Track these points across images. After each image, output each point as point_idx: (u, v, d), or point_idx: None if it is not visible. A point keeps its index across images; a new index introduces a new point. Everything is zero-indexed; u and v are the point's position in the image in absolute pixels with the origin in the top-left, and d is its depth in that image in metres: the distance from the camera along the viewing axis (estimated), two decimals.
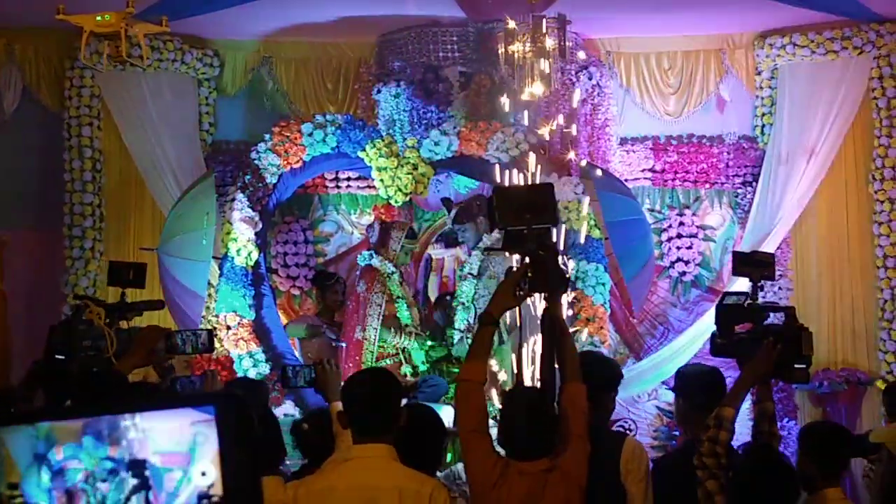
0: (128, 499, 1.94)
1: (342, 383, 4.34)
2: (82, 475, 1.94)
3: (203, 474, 1.93)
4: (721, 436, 4.20)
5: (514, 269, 4.15)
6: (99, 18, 6.17)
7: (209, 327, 8.13)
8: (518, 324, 4.79)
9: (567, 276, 4.48)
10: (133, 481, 1.95)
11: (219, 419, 1.94)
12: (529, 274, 4.06)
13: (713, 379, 4.81)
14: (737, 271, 5.19)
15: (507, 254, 6.78)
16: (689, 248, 9.90)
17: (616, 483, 4.35)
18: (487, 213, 4.31)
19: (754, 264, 4.90)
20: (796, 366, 4.46)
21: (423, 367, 8.67)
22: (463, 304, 8.63)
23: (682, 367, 5.05)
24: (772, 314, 4.75)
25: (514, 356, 7.14)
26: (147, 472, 1.95)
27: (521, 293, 4.10)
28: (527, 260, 4.09)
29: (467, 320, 8.58)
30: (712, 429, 4.21)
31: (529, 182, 8.11)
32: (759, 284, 4.78)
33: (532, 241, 4.08)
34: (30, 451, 1.96)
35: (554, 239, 4.30)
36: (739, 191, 10.00)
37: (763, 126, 9.99)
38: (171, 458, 1.95)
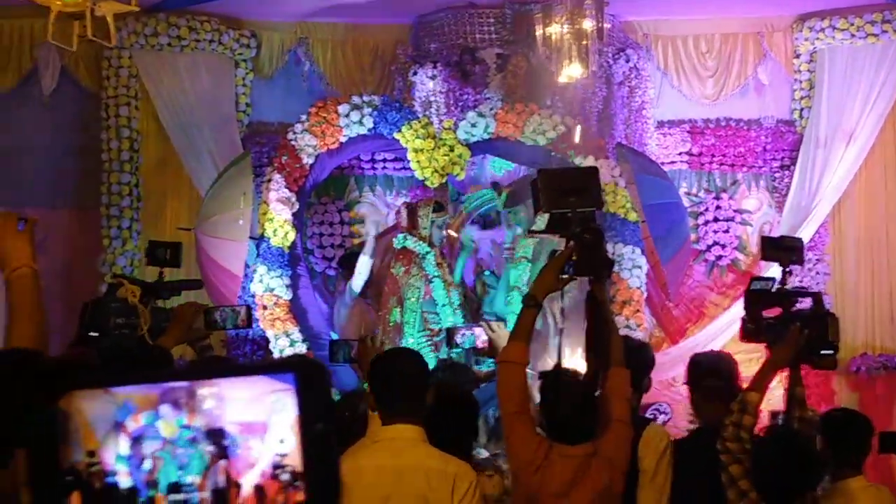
0: (208, 467, 1.94)
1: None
2: (160, 443, 1.95)
3: (281, 441, 1.93)
4: (745, 420, 4.15)
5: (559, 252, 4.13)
6: None
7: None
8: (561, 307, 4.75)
9: (612, 260, 4.44)
10: (211, 449, 1.95)
11: (298, 387, 1.93)
12: (574, 258, 4.04)
13: (720, 364, 4.77)
14: (766, 256, 5.16)
15: (553, 237, 6.71)
16: (726, 231, 9.85)
17: (634, 467, 4.30)
18: (532, 195, 4.28)
19: (783, 249, 4.89)
20: (822, 352, 4.43)
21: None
22: (517, 287, 8.57)
23: (693, 356, 5.00)
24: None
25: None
26: (226, 441, 1.94)
27: (565, 276, 4.08)
28: (571, 243, 4.07)
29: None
30: (736, 413, 4.18)
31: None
32: (789, 269, 4.76)
33: (576, 224, 4.06)
34: (107, 419, 1.96)
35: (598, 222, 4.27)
36: (777, 174, 9.95)
37: (801, 109, 9.91)
38: (249, 427, 1.94)
